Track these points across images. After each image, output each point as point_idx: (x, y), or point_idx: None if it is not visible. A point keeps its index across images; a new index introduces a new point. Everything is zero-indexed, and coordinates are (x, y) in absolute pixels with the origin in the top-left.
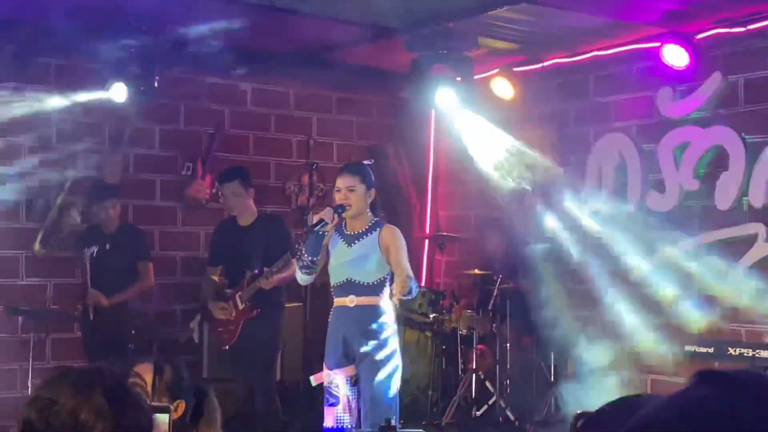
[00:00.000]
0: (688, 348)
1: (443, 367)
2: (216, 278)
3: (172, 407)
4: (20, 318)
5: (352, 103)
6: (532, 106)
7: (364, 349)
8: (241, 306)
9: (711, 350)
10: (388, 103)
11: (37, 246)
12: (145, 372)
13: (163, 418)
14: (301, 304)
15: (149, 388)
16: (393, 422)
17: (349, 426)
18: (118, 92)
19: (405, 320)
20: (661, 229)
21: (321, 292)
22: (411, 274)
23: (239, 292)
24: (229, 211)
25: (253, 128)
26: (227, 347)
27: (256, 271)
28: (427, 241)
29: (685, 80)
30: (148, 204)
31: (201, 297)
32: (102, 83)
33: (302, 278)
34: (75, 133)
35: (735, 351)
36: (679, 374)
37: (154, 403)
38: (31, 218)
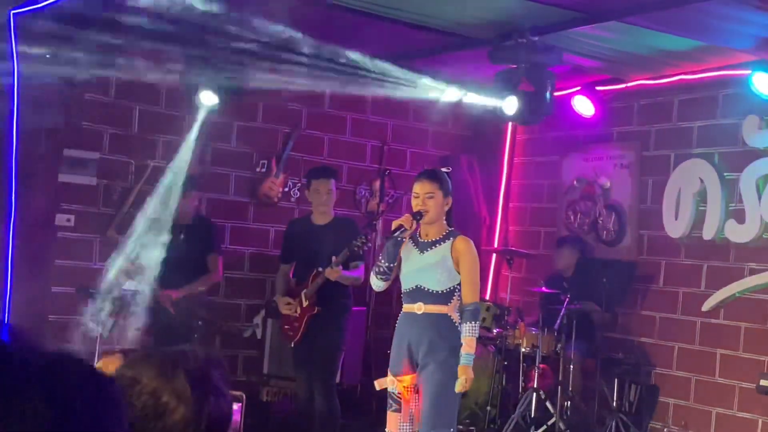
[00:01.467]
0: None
1: (503, 383)
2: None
3: (244, 396)
4: (90, 301)
5: (428, 112)
6: (612, 126)
7: (427, 357)
8: (305, 303)
9: None
10: (464, 114)
11: (111, 231)
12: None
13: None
14: (365, 308)
15: None
16: None
17: None
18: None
19: None
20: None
21: (385, 297)
22: (477, 286)
23: (304, 290)
24: (316, 207)
25: (329, 130)
26: (292, 345)
27: (321, 269)
28: (494, 255)
29: None
30: (221, 198)
31: (272, 294)
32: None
33: (377, 284)
34: (156, 123)
35: None
36: (745, 409)
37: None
38: (109, 204)
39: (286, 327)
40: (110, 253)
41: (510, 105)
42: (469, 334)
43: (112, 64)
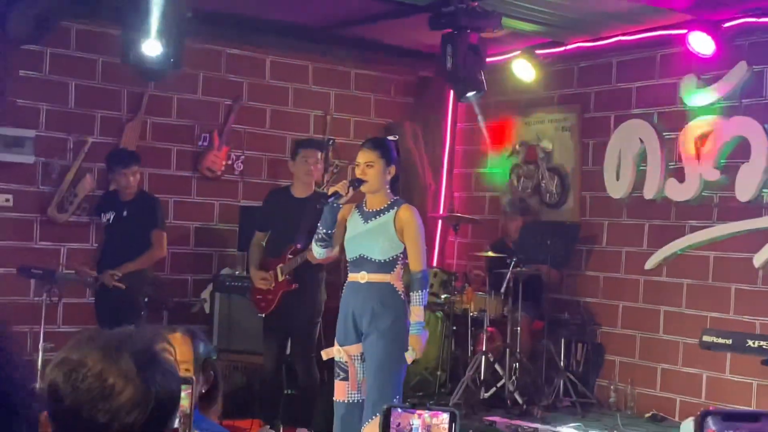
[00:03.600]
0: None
1: (452, 348)
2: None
3: (194, 378)
4: (33, 281)
5: (370, 80)
6: (553, 90)
7: (371, 326)
8: (281, 278)
9: (728, 341)
10: (407, 82)
11: (52, 210)
12: (181, 344)
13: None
14: None
15: (185, 360)
16: (396, 401)
17: (358, 401)
18: (152, 48)
19: None
20: (681, 218)
21: (334, 268)
22: (423, 255)
23: (281, 264)
24: (299, 177)
25: (270, 101)
26: (263, 315)
27: (299, 246)
28: (440, 222)
29: (710, 69)
30: (163, 173)
31: (219, 269)
32: (124, 49)
33: (318, 251)
34: (93, 98)
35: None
36: (689, 364)
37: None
38: (47, 182)
39: (258, 297)
40: (52, 232)
41: (446, 73)
42: (417, 303)
43: (45, 37)
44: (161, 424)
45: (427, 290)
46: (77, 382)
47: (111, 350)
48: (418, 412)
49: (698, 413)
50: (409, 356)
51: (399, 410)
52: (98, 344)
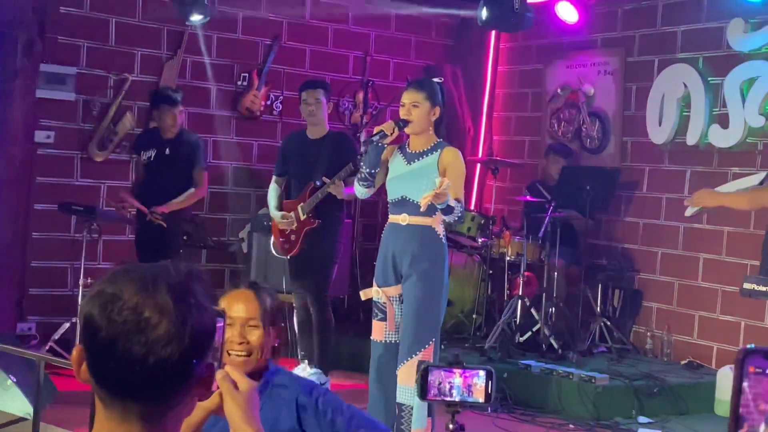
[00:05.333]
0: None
1: (489, 292)
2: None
3: (225, 311)
4: (73, 217)
5: (411, 21)
6: (596, 33)
7: (411, 268)
8: (303, 217)
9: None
10: (447, 23)
11: (92, 147)
12: (245, 299)
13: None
14: (351, 220)
15: (254, 314)
16: (432, 343)
17: (395, 341)
18: None
19: (453, 243)
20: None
21: (371, 209)
22: (461, 197)
23: (301, 203)
24: (307, 118)
25: (310, 41)
26: (288, 257)
27: (318, 183)
28: (479, 166)
29: (758, 12)
30: (203, 112)
31: (258, 208)
32: None
33: (360, 191)
34: (133, 35)
35: None
36: (727, 312)
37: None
38: (88, 119)
39: (281, 240)
40: (92, 170)
41: (484, 12)
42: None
43: None
44: (197, 357)
45: (457, 218)
46: (113, 314)
47: (147, 283)
48: (456, 370)
49: (739, 350)
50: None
51: (438, 369)
52: (134, 277)
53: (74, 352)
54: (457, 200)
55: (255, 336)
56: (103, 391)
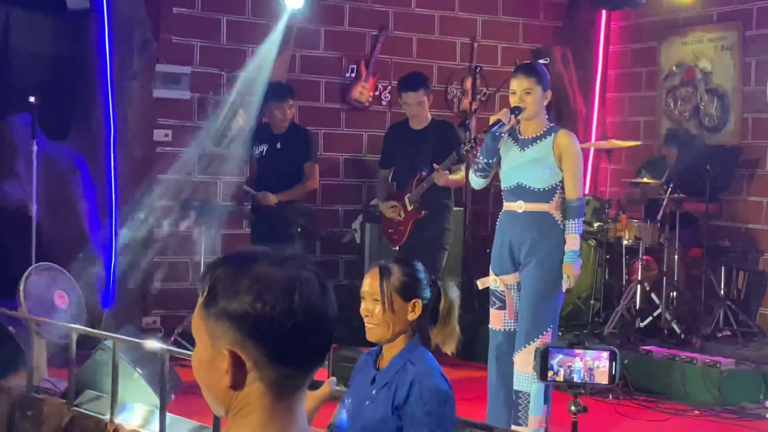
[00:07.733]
0: None
1: (606, 277)
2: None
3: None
4: (192, 212)
5: (518, 4)
6: (712, 7)
7: (529, 256)
8: (410, 207)
9: None
10: (556, 4)
11: (208, 144)
12: (370, 276)
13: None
14: (462, 208)
15: (375, 290)
16: (550, 329)
17: (514, 330)
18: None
19: None
20: None
21: (482, 196)
22: (579, 184)
23: (408, 194)
24: (409, 117)
25: (416, 30)
26: (397, 248)
27: (424, 173)
28: (592, 148)
29: None
30: (312, 105)
31: (370, 200)
32: None
33: (477, 182)
34: (244, 32)
35: None
36: None
37: None
38: (203, 117)
39: (390, 231)
40: (208, 165)
41: None
42: (572, 231)
43: None
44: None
45: (583, 219)
46: (303, 289)
47: (289, 258)
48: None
49: None
50: (564, 284)
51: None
52: (274, 259)
53: (225, 362)
54: (575, 195)
55: (377, 309)
56: (287, 376)
